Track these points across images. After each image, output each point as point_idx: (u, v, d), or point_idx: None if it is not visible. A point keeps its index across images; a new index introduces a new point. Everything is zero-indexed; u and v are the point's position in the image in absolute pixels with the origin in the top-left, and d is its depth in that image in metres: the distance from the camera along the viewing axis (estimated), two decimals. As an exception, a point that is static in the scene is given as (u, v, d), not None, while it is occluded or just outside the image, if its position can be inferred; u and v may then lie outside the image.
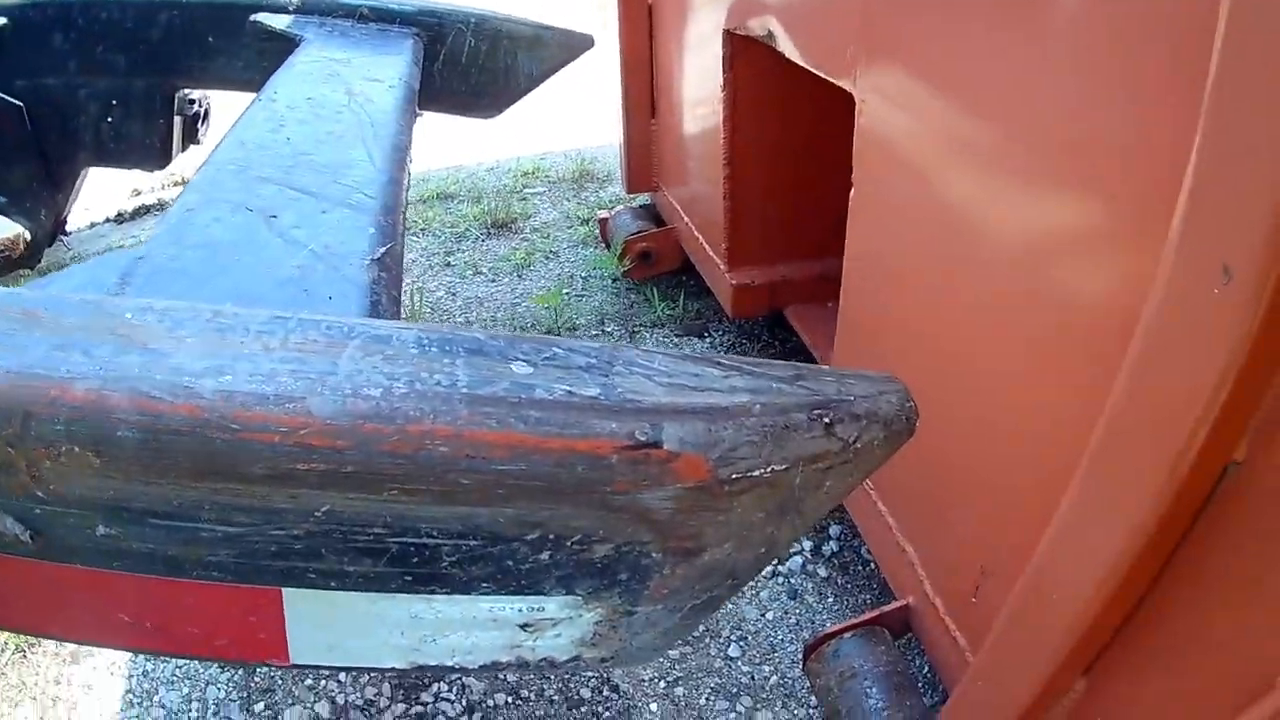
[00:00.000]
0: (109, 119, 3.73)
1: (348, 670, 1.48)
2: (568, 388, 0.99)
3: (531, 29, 3.58)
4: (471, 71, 3.55)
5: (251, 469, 0.92)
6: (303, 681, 2.59)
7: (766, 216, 3.53)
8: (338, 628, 1.16)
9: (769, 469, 1.02)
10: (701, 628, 2.82)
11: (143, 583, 1.09)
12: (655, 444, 0.96)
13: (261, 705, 2.55)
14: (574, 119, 6.79)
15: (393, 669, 1.22)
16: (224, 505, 0.98)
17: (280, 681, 2.59)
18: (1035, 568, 1.46)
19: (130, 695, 2.57)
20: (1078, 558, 1.35)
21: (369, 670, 1.37)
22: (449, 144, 6.12)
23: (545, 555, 1.07)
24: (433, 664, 1.21)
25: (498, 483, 0.95)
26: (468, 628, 1.18)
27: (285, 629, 1.15)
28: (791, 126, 3.36)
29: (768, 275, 3.68)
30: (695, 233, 3.98)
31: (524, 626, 1.18)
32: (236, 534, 1.02)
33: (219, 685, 2.61)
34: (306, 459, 0.91)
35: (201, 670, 2.62)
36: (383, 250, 1.67)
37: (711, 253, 3.79)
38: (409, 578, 1.08)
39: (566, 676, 2.66)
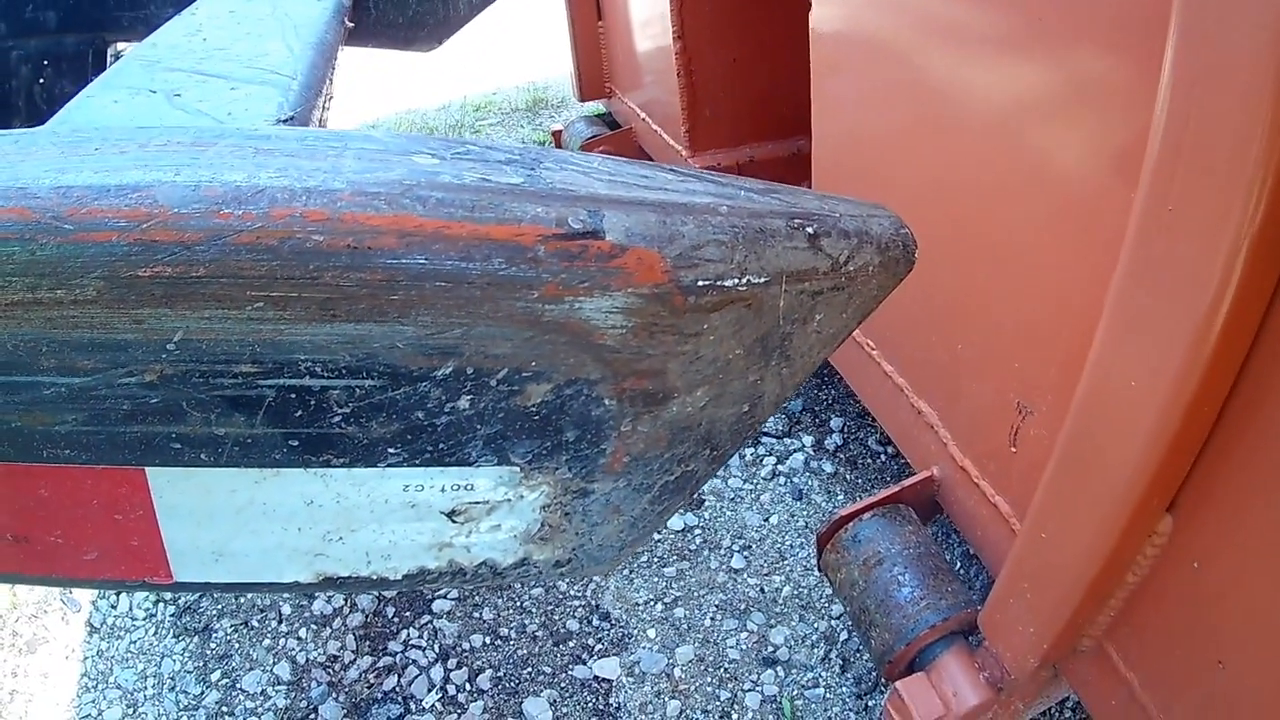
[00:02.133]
0: (41, 80, 3.51)
1: (244, 590, 1.24)
2: (481, 175, 0.84)
3: None
4: (409, 1, 3.29)
5: (87, 282, 0.80)
6: (260, 643, 2.43)
7: (727, 95, 3.37)
8: (220, 525, 1.02)
9: (744, 280, 0.88)
10: (698, 539, 2.66)
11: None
12: (594, 233, 0.82)
13: (218, 674, 2.39)
14: (524, 53, 6.70)
15: (296, 584, 1.07)
16: (63, 344, 0.85)
17: (237, 645, 2.43)
18: (1089, 388, 1.30)
19: (86, 679, 2.42)
20: (1138, 367, 1.18)
21: (269, 589, 1.11)
22: (399, 90, 6.04)
23: (464, 402, 0.92)
24: (344, 574, 1.07)
25: (389, 284, 0.82)
26: (380, 519, 1.02)
27: (160, 530, 1.02)
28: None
29: (734, 157, 3.47)
30: (654, 127, 3.79)
31: (451, 515, 1.02)
32: (83, 387, 0.88)
33: (174, 658, 2.45)
34: (149, 261, 0.79)
35: (155, 643, 2.47)
36: (291, 115, 1.54)
37: (671, 141, 3.61)
38: (294, 443, 0.94)
39: (548, 606, 2.49)
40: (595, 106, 4.66)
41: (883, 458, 2.85)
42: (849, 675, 2.27)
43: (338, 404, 0.91)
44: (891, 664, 1.84)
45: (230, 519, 1.01)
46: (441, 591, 2.50)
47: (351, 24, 2.58)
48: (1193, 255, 1.03)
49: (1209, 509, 1.24)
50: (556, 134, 4.63)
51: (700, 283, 0.86)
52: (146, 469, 0.96)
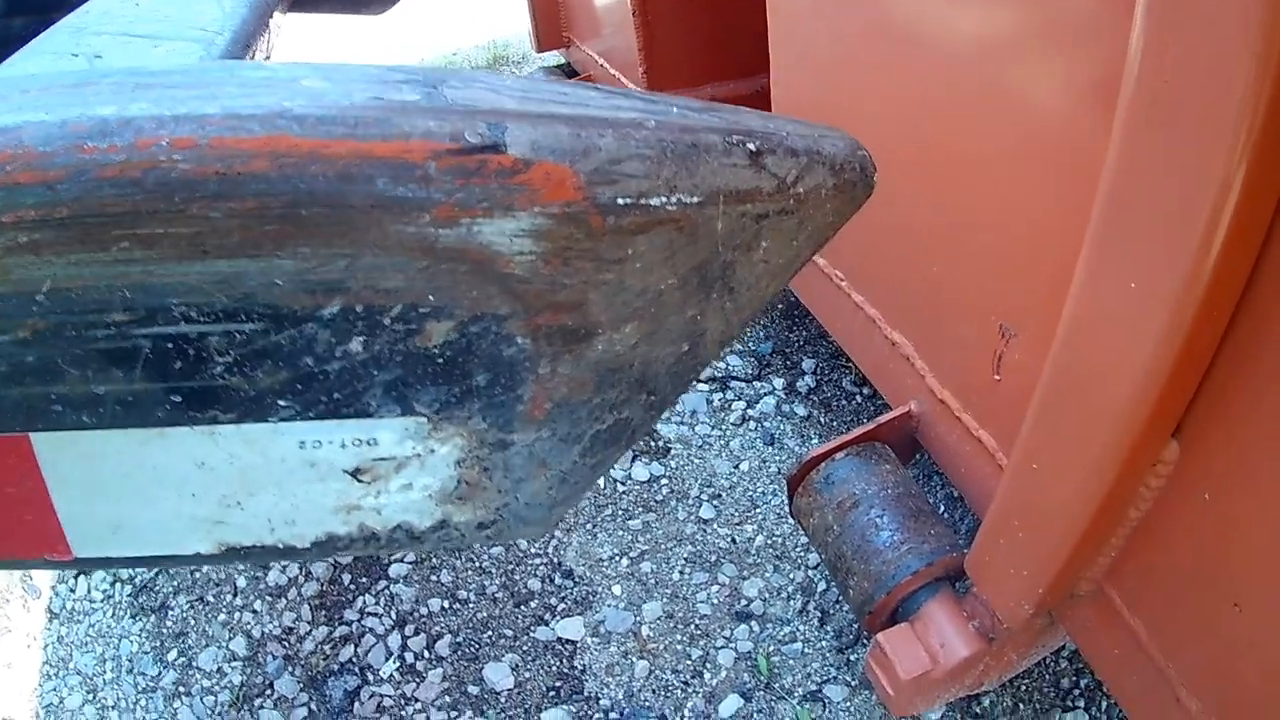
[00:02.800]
0: (-10, 64, 3.23)
1: (148, 564, 1.24)
2: (374, 95, 0.76)
3: None
4: None
5: None
6: (215, 618, 2.38)
7: (685, 34, 3.30)
8: (113, 494, 0.96)
9: (673, 199, 0.80)
10: (665, 489, 2.59)
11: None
12: (494, 146, 0.73)
13: (174, 653, 2.34)
14: (483, 12, 6.65)
15: (199, 555, 1.00)
16: None
17: (193, 622, 2.39)
18: (1080, 299, 1.16)
19: (47, 666, 2.38)
20: (1138, 269, 1.05)
21: (174, 562, 1.05)
22: (360, 56, 5.91)
23: (357, 344, 0.85)
24: (248, 543, 1.00)
25: (260, 214, 0.74)
26: (279, 481, 0.95)
27: (52, 502, 0.96)
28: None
29: (693, 97, 3.05)
30: (612, 72, 3.73)
31: (356, 474, 0.94)
32: None
33: (131, 639, 2.40)
34: (13, 205, 0.72)
35: (113, 625, 2.43)
36: None
37: (630, 84, 3.50)
38: (176, 398, 0.88)
39: (508, 565, 2.43)
40: (555, 58, 4.60)
41: (858, 399, 2.78)
42: (828, 628, 2.21)
43: (218, 352, 0.84)
44: (872, 615, 1.73)
45: (122, 487, 0.95)
46: (397, 555, 2.45)
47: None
48: (1197, 140, 0.92)
49: (1221, 433, 1.12)
50: None
51: (620, 201, 0.78)
52: (31, 435, 0.92)
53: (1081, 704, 2.06)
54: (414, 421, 0.90)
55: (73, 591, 2.51)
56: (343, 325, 0.83)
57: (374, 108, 0.75)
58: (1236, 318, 1.04)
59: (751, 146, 0.83)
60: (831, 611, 2.21)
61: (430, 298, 0.82)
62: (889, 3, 1.68)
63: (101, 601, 2.47)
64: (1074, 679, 2.07)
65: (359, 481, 0.94)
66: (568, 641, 2.21)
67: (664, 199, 0.79)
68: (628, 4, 3.14)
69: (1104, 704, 2.04)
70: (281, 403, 0.88)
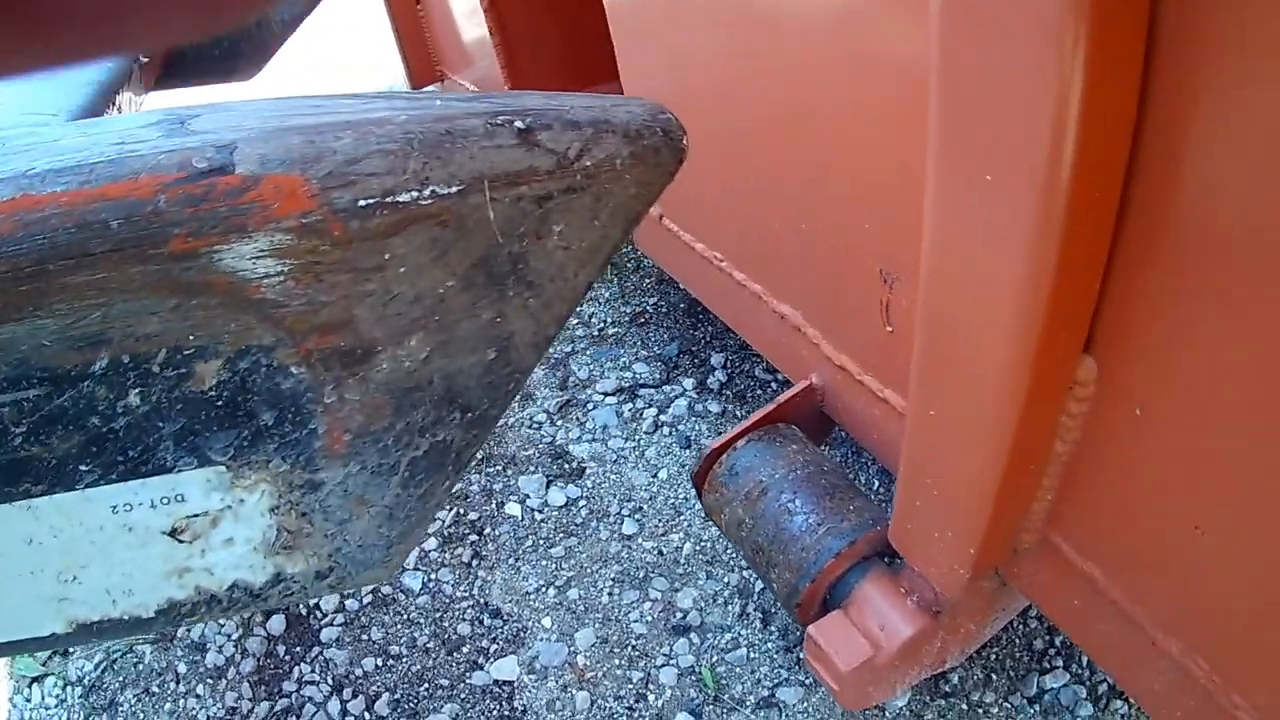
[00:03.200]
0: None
1: (11, 650, 1.02)
2: (118, 140, 0.73)
3: None
4: (221, 36, 3.11)
5: None
6: (162, 708, 2.31)
7: (545, 45, 3.27)
8: None
9: (426, 191, 0.74)
10: (584, 510, 2.51)
11: None
12: (222, 169, 0.71)
13: None
14: (371, 63, 6.36)
15: (56, 636, 0.95)
16: None
17: (141, 715, 2.31)
18: (940, 213, 1.06)
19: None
20: (994, 163, 0.93)
21: (35, 645, 0.95)
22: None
23: (134, 397, 0.81)
24: (96, 618, 0.95)
25: (14, 275, 0.72)
26: (103, 550, 0.90)
27: None
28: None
29: None
30: None
31: (174, 534, 0.90)
32: None
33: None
34: None
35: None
36: None
37: None
38: None
39: (435, 613, 2.36)
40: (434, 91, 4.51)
41: (774, 385, 2.74)
42: (772, 629, 2.15)
43: (12, 422, 0.83)
44: (801, 606, 1.65)
45: None
46: (327, 620, 2.41)
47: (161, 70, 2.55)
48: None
49: (1139, 336, 1.02)
50: None
51: (362, 203, 0.74)
52: None
53: (1060, 663, 2.02)
54: (213, 472, 0.87)
55: (28, 701, 2.45)
56: (116, 379, 0.81)
57: (112, 153, 0.73)
58: (1126, 197, 0.93)
59: (520, 125, 0.79)
60: (773, 610, 2.15)
61: (191, 338, 0.80)
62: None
63: (55, 706, 2.41)
64: (1047, 639, 2.03)
65: (180, 541, 0.91)
66: (504, 683, 2.15)
67: (414, 193, 0.75)
68: (484, 23, 3.12)
69: (1084, 659, 1.99)
70: (83, 467, 0.86)
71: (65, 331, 0.77)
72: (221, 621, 2.40)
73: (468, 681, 2.17)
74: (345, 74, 5.53)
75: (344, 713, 2.19)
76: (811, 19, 1.45)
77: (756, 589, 2.19)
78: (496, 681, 2.15)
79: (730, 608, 2.17)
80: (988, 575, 1.46)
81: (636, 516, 2.43)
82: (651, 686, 2.07)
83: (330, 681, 2.25)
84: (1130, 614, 1.22)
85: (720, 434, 2.45)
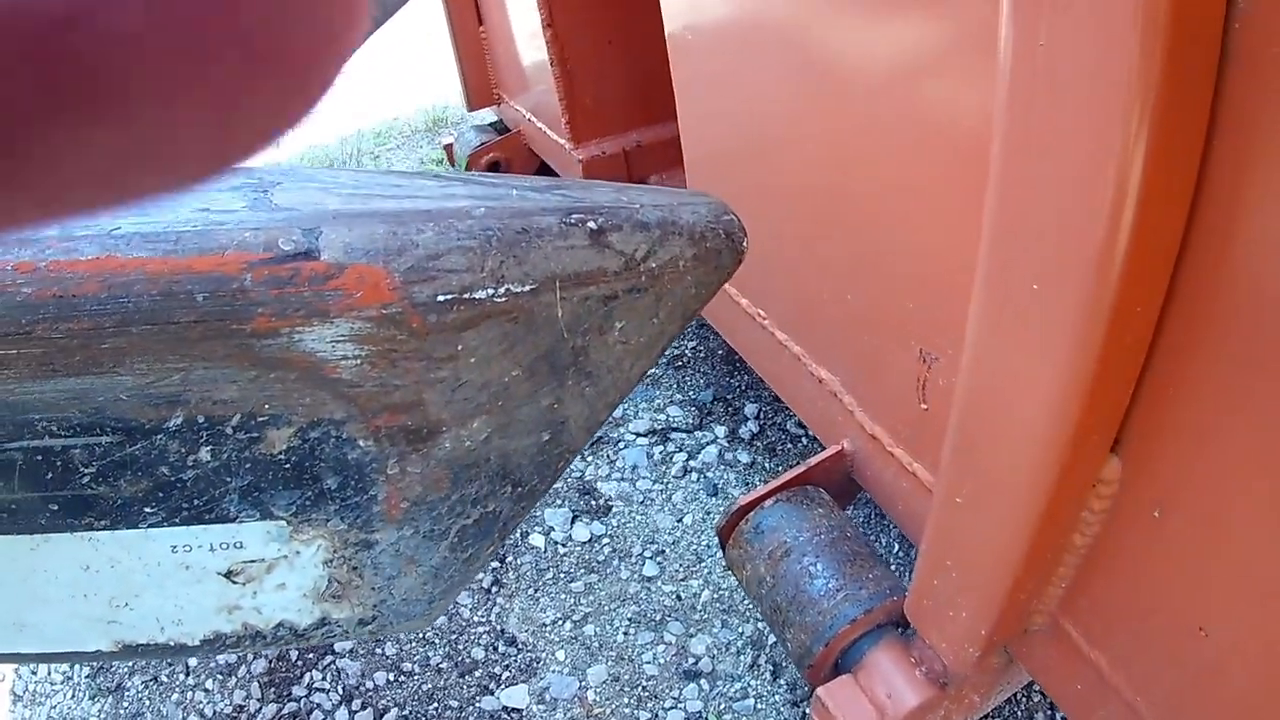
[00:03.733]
0: None
1: (53, 660, 1.23)
2: (202, 206, 0.77)
3: None
4: None
5: None
6: (169, 697, 2.34)
7: (606, 81, 3.31)
8: (11, 594, 0.96)
9: (502, 289, 0.78)
10: (606, 548, 2.54)
11: None
12: (307, 253, 0.74)
13: None
14: (422, 80, 6.71)
15: (100, 653, 1.00)
16: None
17: (148, 702, 2.34)
18: (985, 306, 1.09)
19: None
20: (1041, 270, 0.97)
21: (78, 658, 1.04)
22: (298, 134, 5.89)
23: (205, 453, 0.85)
24: (142, 641, 0.99)
25: (97, 332, 0.75)
26: (159, 583, 0.95)
27: None
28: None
29: (619, 144, 3.43)
30: (539, 126, 3.75)
31: (230, 575, 0.94)
32: None
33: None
34: None
35: (74, 707, 2.39)
36: None
37: (555, 136, 3.56)
38: (54, 506, 0.88)
39: (451, 635, 2.38)
40: (489, 115, 4.60)
41: (804, 441, 2.74)
42: (781, 682, 2.16)
43: (82, 464, 0.85)
44: (813, 668, 1.68)
45: (19, 588, 0.96)
46: None
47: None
48: (1081, 115, 0.85)
49: (1164, 442, 1.05)
50: (448, 148, 4.64)
51: (441, 298, 0.78)
52: None
53: (1058, 737, 2.03)
54: (274, 525, 0.90)
55: (34, 674, 2.49)
56: (189, 435, 0.84)
57: (198, 220, 0.76)
58: (1166, 315, 0.96)
59: (592, 225, 0.82)
60: (784, 665, 2.16)
61: (266, 406, 0.83)
62: (789, 38, 1.66)
63: (61, 683, 2.44)
64: (1049, 713, 2.03)
65: (234, 582, 0.95)
66: (513, 710, 2.17)
67: (490, 290, 0.79)
68: (547, 55, 3.15)
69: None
70: (148, 510, 0.89)
71: (143, 389, 0.81)
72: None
73: (477, 705, 2.19)
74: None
75: (353, 730, 2.24)
76: (876, 88, 1.47)
77: (769, 642, 2.21)
78: (505, 708, 2.17)
79: (742, 658, 2.18)
80: (997, 652, 1.48)
81: (658, 559, 2.45)
82: (659, 728, 2.10)
83: (340, 691, 2.27)
84: (1130, 703, 1.24)
85: (748, 484, 2.50)
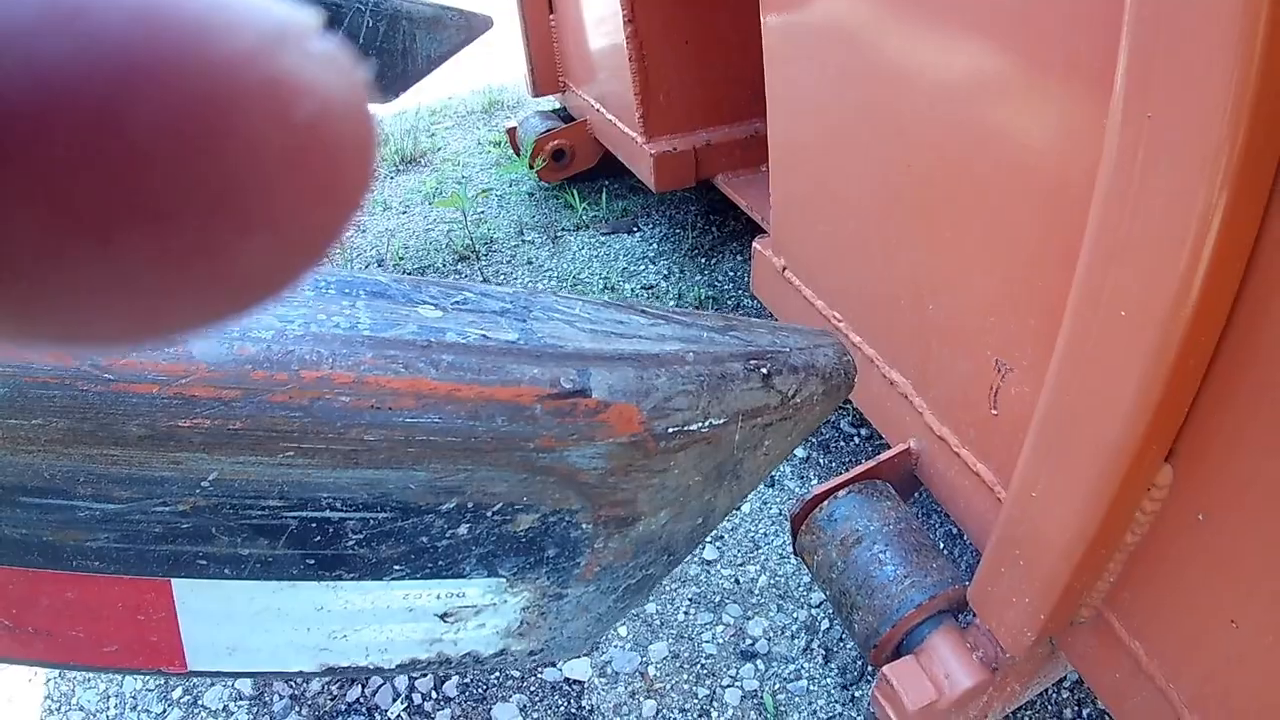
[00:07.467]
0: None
1: (252, 676, 1.39)
2: (482, 331, 0.93)
3: (431, 10, 3.50)
4: (369, 53, 3.37)
5: (128, 428, 0.84)
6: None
7: (681, 79, 3.41)
8: (236, 625, 1.08)
9: (707, 423, 0.98)
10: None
11: (19, 577, 1.00)
12: (582, 392, 0.92)
13: (179, 691, 2.33)
14: (478, 61, 6.50)
15: (301, 672, 1.13)
16: (101, 477, 0.90)
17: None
18: (1072, 329, 1.23)
19: (49, 701, 2.35)
20: (1125, 299, 1.11)
21: (275, 675, 1.17)
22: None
23: (464, 529, 1.02)
24: (345, 664, 1.14)
25: (406, 439, 0.89)
26: (380, 620, 1.11)
27: (179, 629, 1.07)
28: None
29: (690, 142, 3.53)
30: (609, 117, 3.85)
31: (444, 616, 1.11)
32: (116, 513, 0.94)
33: (135, 676, 2.37)
34: (189, 414, 0.83)
35: None
36: None
37: (627, 129, 3.65)
38: (311, 561, 1.02)
39: None
40: (550, 102, 4.70)
41: (856, 440, 2.84)
42: (833, 665, 2.29)
43: (353, 532, 0.99)
44: (877, 649, 1.83)
45: (247, 621, 1.08)
46: None
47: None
48: (1175, 176, 1.00)
49: (1211, 454, 1.19)
50: (511, 130, 4.74)
51: (670, 430, 0.96)
52: (173, 580, 1.02)
53: (1085, 733, 2.20)
54: (496, 581, 1.07)
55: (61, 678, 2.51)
56: (456, 516, 0.99)
57: (489, 352, 0.89)
58: (1221, 345, 1.10)
59: (765, 370, 1.00)
60: (835, 649, 2.31)
61: (525, 498, 0.99)
62: (881, 52, 1.76)
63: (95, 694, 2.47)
64: (1076, 709, 2.15)
65: (445, 622, 1.10)
66: (575, 682, 2.28)
67: (699, 424, 0.97)
68: (625, 50, 3.26)
69: (1109, 732, 2.16)
70: (397, 567, 1.03)
71: (431, 483, 0.96)
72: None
73: (539, 676, 2.29)
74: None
75: (411, 689, 2.29)
76: (974, 112, 1.56)
77: (822, 627, 2.35)
78: (567, 680, 2.28)
79: (797, 641, 2.32)
80: (1043, 642, 1.59)
81: (718, 544, 2.53)
82: (715, 704, 2.20)
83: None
84: (1163, 690, 1.37)
85: (803, 478, 2.59)
